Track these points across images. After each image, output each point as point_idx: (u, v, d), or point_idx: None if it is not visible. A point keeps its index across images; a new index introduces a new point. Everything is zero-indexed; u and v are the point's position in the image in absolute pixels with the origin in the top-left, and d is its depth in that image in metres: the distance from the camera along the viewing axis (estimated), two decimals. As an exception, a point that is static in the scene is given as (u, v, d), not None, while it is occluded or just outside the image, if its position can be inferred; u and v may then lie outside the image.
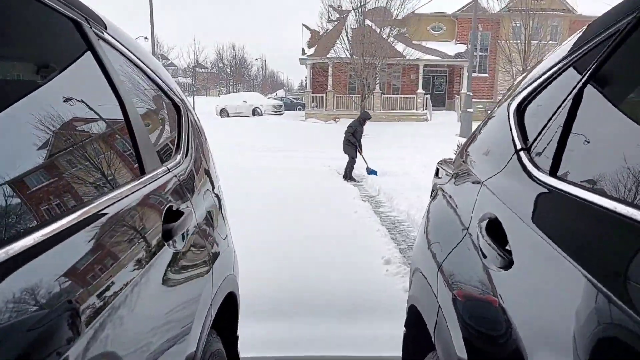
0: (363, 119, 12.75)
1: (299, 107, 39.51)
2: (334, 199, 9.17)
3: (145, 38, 31.32)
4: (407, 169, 13.85)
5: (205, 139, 2.28)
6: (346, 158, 12.53)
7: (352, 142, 12.42)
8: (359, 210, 7.99)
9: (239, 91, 46.71)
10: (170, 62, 74.69)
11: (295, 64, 38.13)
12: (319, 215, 7.56)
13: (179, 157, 1.77)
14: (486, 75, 30.72)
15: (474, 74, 25.70)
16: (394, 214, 8.53)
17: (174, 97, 1.99)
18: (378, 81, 26.61)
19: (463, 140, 23.35)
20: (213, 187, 2.14)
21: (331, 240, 5.92)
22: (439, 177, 2.35)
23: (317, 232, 6.32)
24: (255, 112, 30.70)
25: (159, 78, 1.86)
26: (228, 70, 69.78)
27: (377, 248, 5.63)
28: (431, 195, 2.33)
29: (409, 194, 9.55)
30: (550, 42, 23.80)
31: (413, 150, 19.16)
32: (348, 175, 12.38)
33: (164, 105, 1.91)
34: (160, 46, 65.98)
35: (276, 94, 50.73)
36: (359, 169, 13.27)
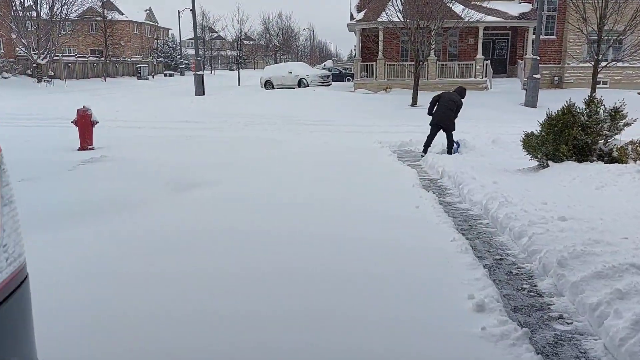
0: (464, 93, 11.33)
1: (347, 77, 37.55)
2: (388, 185, 7.59)
3: (191, 10, 30.18)
4: (472, 145, 12.02)
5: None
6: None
7: (453, 117, 10.97)
8: (422, 204, 6.37)
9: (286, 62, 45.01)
10: (217, 34, 73.81)
11: (344, 34, 36.13)
12: (368, 216, 6.00)
13: None
14: (554, 37, 27.75)
15: (540, 37, 23.00)
16: (465, 206, 6.87)
17: None
18: (433, 47, 24.36)
19: (530, 109, 20.95)
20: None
21: (388, 270, 4.39)
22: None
23: (363, 251, 4.81)
24: (301, 83, 29.09)
25: None
26: (275, 41, 68.17)
27: (456, 277, 4.05)
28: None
29: (481, 177, 7.83)
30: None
31: (475, 122, 17.16)
32: (449, 151, 11.15)
33: None
34: (206, 18, 65.05)
35: (324, 65, 48.76)
36: (416, 145, 11.69)
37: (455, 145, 11.33)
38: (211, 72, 65.27)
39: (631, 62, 23.34)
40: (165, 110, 21.15)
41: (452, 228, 5.20)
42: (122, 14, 60.81)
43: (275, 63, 49.80)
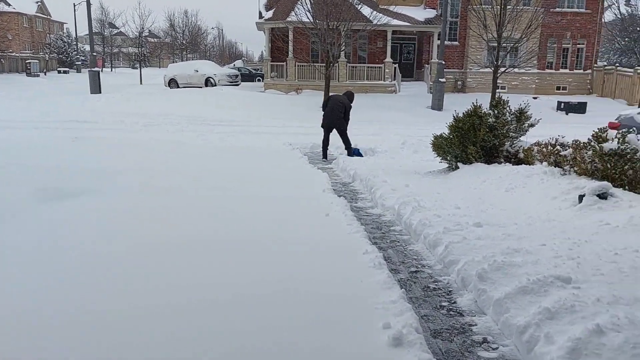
0: (352, 97, 11.41)
1: (258, 78, 36.69)
2: (297, 190, 7.01)
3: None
4: (382, 148, 11.81)
5: None
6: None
7: (342, 117, 10.98)
8: (333, 211, 5.83)
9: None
10: (118, 30, 69.59)
11: (255, 34, 35.17)
12: (274, 225, 5.39)
13: None
14: (457, 43, 28.81)
15: (445, 42, 23.70)
16: (377, 211, 6.45)
17: None
18: (343, 48, 24.26)
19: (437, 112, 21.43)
20: None
21: (292, 293, 3.79)
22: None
23: (268, 266, 4.19)
24: (208, 82, 27.80)
25: None
26: (181, 39, 65.43)
27: (369, 299, 3.53)
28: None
29: (392, 181, 7.49)
30: (524, 7, 22.04)
31: (385, 125, 17.15)
32: (349, 153, 11.06)
33: None
34: (105, 12, 61.06)
35: (234, 64, 47.33)
36: (330, 148, 11.27)
37: (355, 150, 11.11)
38: (112, 70, 61.40)
39: (526, 69, 24.69)
40: (55, 109, 19.13)
41: (365, 238, 4.70)
42: (9, 5, 55.44)
43: (182, 61, 47.65)
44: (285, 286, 3.61)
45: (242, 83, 29.94)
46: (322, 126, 10.99)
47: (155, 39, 67.26)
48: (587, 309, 3.00)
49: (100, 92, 25.18)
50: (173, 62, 51.00)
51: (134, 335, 2.91)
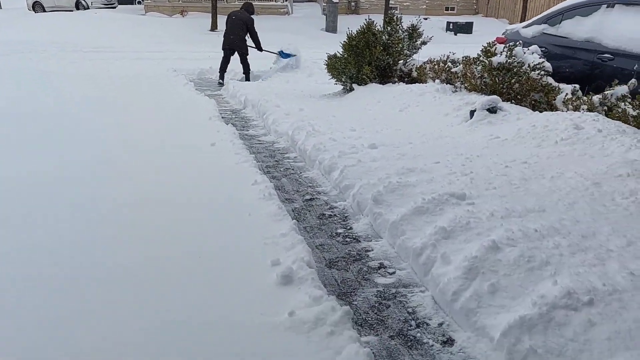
0: (251, 8, 10.44)
1: (138, 0, 33.41)
2: (180, 119, 6.37)
3: None
4: (274, 70, 11.22)
5: None
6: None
7: (244, 38, 10.17)
8: (219, 139, 5.34)
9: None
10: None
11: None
12: (150, 157, 4.82)
13: None
14: (349, -38, 27.95)
15: (337, -40, 22.83)
16: (270, 138, 6.05)
17: None
18: (231, -35, 22.52)
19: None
20: None
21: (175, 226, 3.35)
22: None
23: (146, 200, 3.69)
24: (79, 5, 24.77)
25: None
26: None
27: (258, 234, 3.20)
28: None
29: (286, 105, 7.08)
30: None
31: (279, 48, 16.34)
32: (247, 77, 10.41)
33: None
34: None
35: (110, -15, 42.61)
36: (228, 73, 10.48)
37: (279, 58, 10.54)
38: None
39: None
40: None
41: (255, 168, 4.31)
42: None
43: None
44: (162, 222, 3.17)
45: (119, 6, 27.08)
46: (223, 48, 10.16)
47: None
48: (482, 224, 2.91)
49: (-55, 17, 21.50)
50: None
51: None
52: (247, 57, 10.27)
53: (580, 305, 2.12)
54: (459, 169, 3.97)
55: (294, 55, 11.05)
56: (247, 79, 10.38)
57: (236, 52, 10.16)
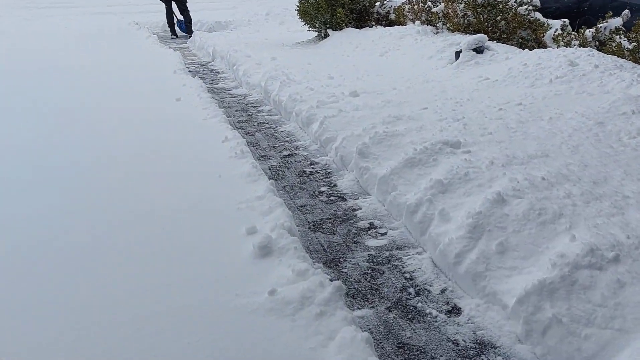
0: None
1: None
2: (142, 73, 5.84)
3: None
4: (244, 21, 10.57)
5: None
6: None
7: None
8: (185, 94, 4.88)
9: None
10: None
11: None
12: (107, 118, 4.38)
13: None
14: None
15: None
16: (242, 91, 5.60)
17: None
18: None
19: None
20: None
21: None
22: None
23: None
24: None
25: None
26: None
27: (229, 198, 2.83)
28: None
29: (257, 55, 6.59)
30: None
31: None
32: (189, 29, 9.63)
33: None
34: None
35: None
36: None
37: (181, 22, 9.75)
38: None
39: None
40: None
41: (225, 123, 3.89)
42: None
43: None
44: (117, 190, 2.78)
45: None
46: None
47: None
48: (482, 174, 2.59)
49: None
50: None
51: None
52: (187, 4, 9.47)
53: (606, 264, 1.84)
54: (450, 114, 3.63)
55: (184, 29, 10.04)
56: (189, 31, 9.55)
57: (173, 2, 9.37)
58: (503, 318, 1.88)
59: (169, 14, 9.52)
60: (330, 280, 1.95)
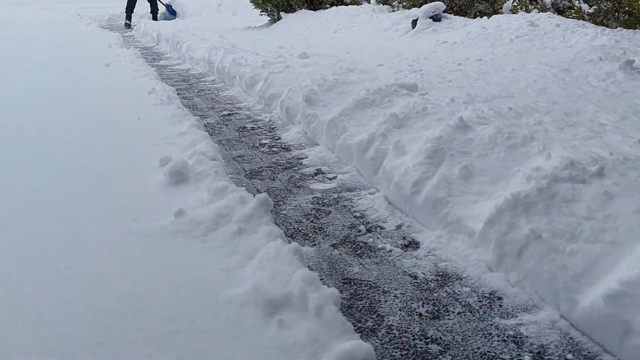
0: None
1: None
2: (79, 51, 5.35)
3: None
4: (194, 10, 10.15)
5: None
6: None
7: None
8: (117, 61, 4.43)
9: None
10: None
11: None
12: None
13: None
14: None
15: None
16: (185, 66, 5.18)
17: None
18: None
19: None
20: None
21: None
22: None
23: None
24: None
25: None
26: None
27: (150, 137, 2.42)
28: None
29: (204, 34, 6.19)
30: None
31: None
32: (154, 17, 9.41)
33: None
34: None
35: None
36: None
37: (166, 11, 9.44)
38: None
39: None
40: None
41: (154, 80, 3.47)
42: None
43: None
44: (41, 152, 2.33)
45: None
46: None
47: None
48: (442, 110, 2.28)
49: None
50: None
51: None
52: None
53: (589, 177, 1.53)
54: (406, 68, 3.34)
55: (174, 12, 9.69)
56: (155, 17, 9.30)
57: None
58: (469, 247, 1.55)
59: (130, 3, 8.98)
60: (254, 195, 1.56)
